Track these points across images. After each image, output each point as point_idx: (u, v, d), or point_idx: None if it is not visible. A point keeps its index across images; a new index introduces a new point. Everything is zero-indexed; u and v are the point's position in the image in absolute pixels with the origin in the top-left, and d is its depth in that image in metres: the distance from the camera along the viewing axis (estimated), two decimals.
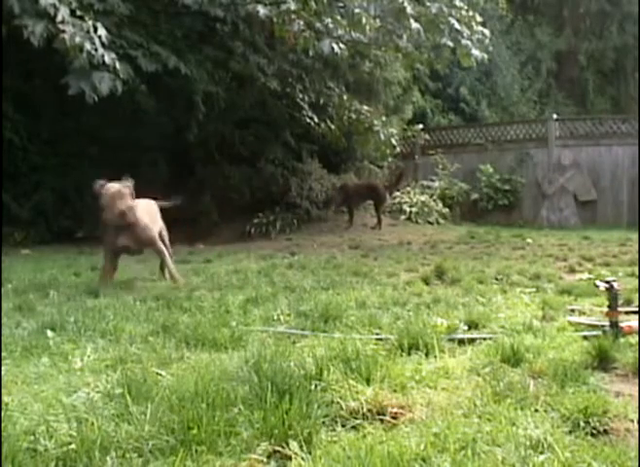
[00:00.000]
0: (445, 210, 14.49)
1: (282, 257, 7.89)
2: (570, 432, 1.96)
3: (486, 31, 10.33)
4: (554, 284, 5.18)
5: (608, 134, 15.42)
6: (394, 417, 2.07)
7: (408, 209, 13.92)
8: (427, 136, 15.78)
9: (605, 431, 2.00)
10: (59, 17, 7.21)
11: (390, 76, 14.10)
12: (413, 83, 16.58)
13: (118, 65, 7.73)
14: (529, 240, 10.53)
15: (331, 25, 9.66)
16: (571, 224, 14.97)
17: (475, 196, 15.63)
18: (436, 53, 11.37)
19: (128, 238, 5.22)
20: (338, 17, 9.56)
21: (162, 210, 5.97)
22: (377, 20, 9.61)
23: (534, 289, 4.90)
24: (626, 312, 3.48)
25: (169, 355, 2.83)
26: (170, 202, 6.36)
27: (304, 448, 1.83)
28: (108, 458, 1.75)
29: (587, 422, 2.01)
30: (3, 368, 2.57)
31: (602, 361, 2.68)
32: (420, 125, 15.14)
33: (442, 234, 11.91)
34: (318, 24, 9.67)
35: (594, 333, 3.10)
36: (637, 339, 2.94)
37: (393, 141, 12.35)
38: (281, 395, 2.07)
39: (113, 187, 5.02)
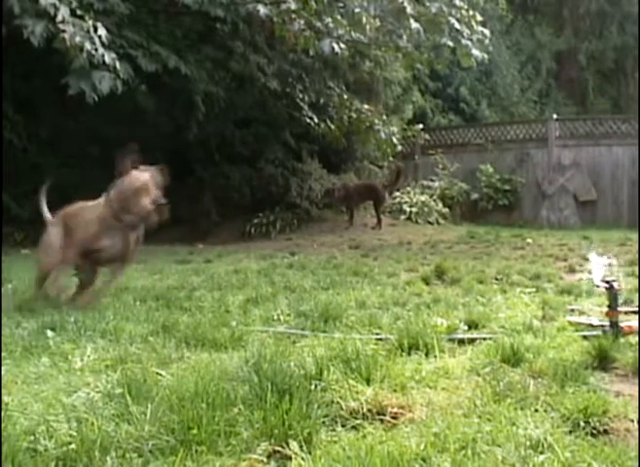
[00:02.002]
0: (445, 210, 14.48)
1: (282, 257, 7.88)
2: (570, 432, 1.95)
3: (486, 31, 10.34)
4: (554, 284, 5.19)
5: (608, 134, 15.42)
6: (394, 417, 2.07)
7: (408, 209, 13.91)
8: (427, 136, 15.76)
9: (605, 431, 1.99)
10: (59, 17, 7.21)
11: (390, 76, 14.11)
12: (413, 83, 16.60)
13: (118, 65, 7.73)
14: (529, 240, 10.53)
15: (331, 25, 9.66)
16: (571, 224, 14.97)
17: (475, 196, 15.62)
18: (436, 53, 11.37)
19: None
20: (339, 17, 9.57)
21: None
22: (377, 20, 9.61)
23: (534, 289, 4.90)
24: (626, 312, 3.48)
25: (169, 355, 2.83)
26: None
27: (304, 448, 1.82)
28: (108, 458, 1.75)
29: (587, 422, 2.01)
30: (3, 368, 2.57)
31: (602, 361, 2.68)
32: (420, 125, 15.12)
33: (442, 234, 11.90)
34: (318, 24, 9.67)
35: (594, 333, 3.10)
36: (637, 339, 2.94)
37: (394, 140, 12.35)
38: (281, 395, 2.06)
39: (140, 177, 3.77)
